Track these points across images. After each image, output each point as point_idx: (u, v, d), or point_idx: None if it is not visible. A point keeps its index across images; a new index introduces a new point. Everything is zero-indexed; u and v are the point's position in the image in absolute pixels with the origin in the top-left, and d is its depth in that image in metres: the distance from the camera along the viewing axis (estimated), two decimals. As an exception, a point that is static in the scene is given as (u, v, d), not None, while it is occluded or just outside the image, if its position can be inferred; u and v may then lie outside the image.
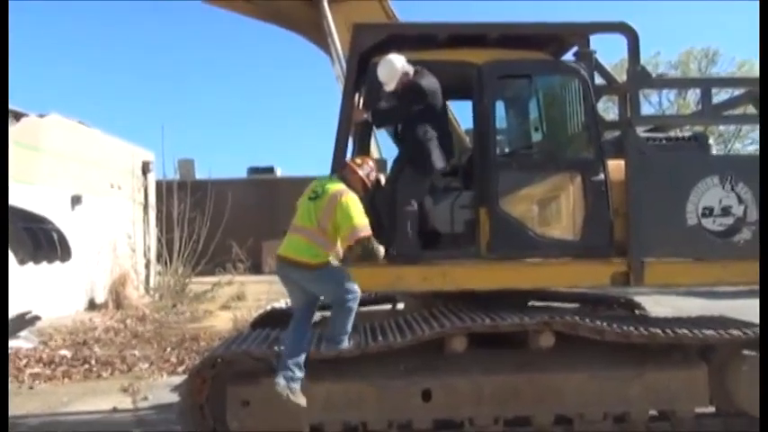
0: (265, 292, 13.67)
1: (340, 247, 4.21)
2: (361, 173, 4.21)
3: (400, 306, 5.92)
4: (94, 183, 14.16)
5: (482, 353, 4.67)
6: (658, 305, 8.57)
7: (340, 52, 6.15)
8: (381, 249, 4.12)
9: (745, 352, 4.75)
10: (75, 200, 13.21)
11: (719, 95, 7.14)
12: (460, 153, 5.87)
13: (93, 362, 8.00)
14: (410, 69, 4.67)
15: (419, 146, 4.67)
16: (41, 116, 12.50)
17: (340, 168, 4.33)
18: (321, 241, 4.00)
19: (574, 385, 4.63)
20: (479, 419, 4.58)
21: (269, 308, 6.51)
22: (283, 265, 4.14)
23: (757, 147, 22.58)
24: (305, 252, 4.01)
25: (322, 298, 4.34)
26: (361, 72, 5.01)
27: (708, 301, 11.68)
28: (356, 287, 4.15)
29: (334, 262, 4.25)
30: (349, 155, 5.00)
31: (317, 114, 54.17)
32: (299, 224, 4.10)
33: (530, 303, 5.41)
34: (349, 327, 4.16)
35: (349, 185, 4.16)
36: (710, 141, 5.78)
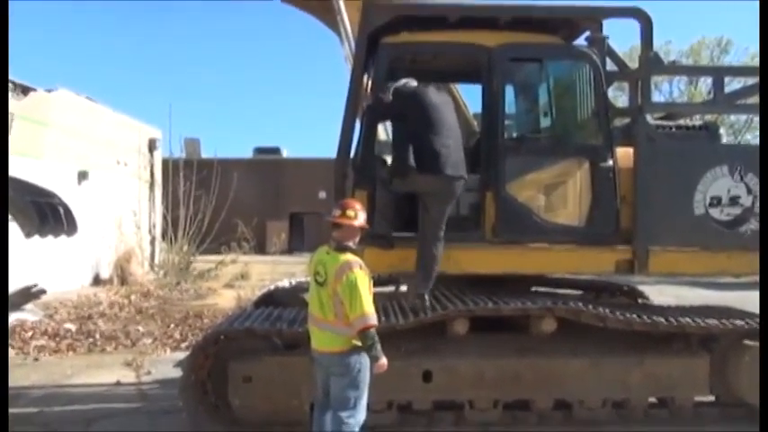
0: (269, 272, 13.76)
1: None
2: (358, 223, 3.62)
3: (404, 288, 5.93)
4: (101, 159, 14.18)
5: (484, 336, 4.69)
6: (661, 294, 8.56)
7: (349, 32, 6.08)
8: (380, 352, 3.44)
9: (747, 342, 4.76)
10: (82, 175, 13.23)
11: (731, 86, 7.06)
12: (468, 136, 5.84)
13: (97, 336, 8.07)
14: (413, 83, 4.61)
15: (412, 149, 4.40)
16: (49, 91, 12.48)
17: (336, 231, 3.61)
18: (344, 330, 3.47)
19: (574, 371, 4.66)
20: (479, 402, 4.62)
21: (272, 287, 6.54)
22: (317, 356, 3.64)
23: (768, 138, 22.40)
24: (331, 342, 3.51)
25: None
26: (370, 52, 4.96)
27: (711, 291, 11.65)
28: (363, 398, 3.54)
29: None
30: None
31: (324, 96, 54.02)
32: (316, 314, 3.59)
33: (533, 289, 5.42)
34: None
35: (350, 245, 3.59)
36: (721, 131, 5.72)
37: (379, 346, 3.43)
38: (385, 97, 4.53)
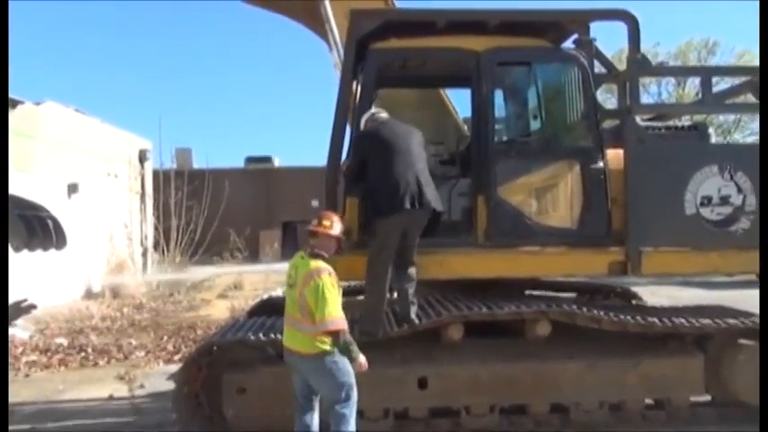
0: (262, 282, 13.71)
1: None
2: (334, 233, 3.77)
3: (396, 295, 5.90)
4: (91, 171, 14.10)
5: (479, 341, 4.67)
6: (654, 295, 8.57)
7: (338, 39, 6.07)
8: (356, 350, 3.57)
9: (742, 341, 4.76)
10: (72, 188, 13.15)
11: (719, 86, 7.11)
12: (458, 141, 5.84)
13: (89, 350, 7.99)
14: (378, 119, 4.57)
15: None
16: (38, 104, 12.42)
17: (312, 239, 3.79)
18: (309, 329, 3.59)
19: (570, 374, 4.64)
20: (475, 408, 4.59)
21: (266, 296, 6.50)
22: (287, 354, 3.81)
23: (757, 138, 22.58)
24: (300, 343, 3.67)
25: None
26: (358, 59, 4.96)
27: (704, 291, 11.70)
28: (353, 390, 3.66)
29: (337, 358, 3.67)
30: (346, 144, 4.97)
31: (316, 104, 53.98)
32: (289, 313, 3.77)
33: (527, 292, 5.41)
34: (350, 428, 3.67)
35: (323, 250, 3.73)
36: (710, 131, 5.75)
37: (354, 347, 3.58)
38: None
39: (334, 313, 3.52)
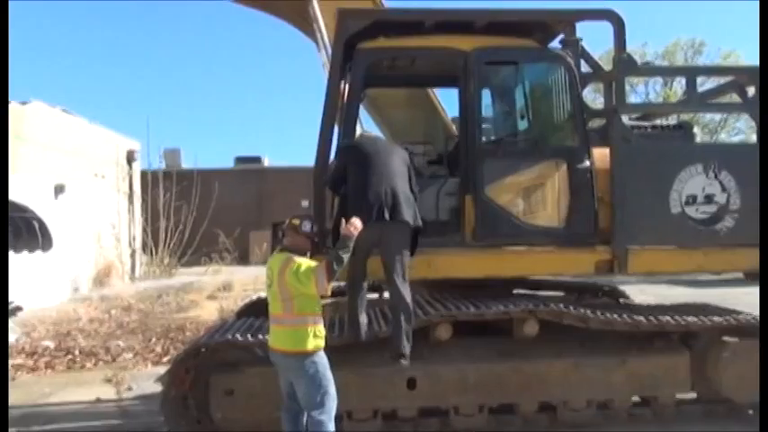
0: (252, 282, 13.64)
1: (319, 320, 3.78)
2: (303, 230, 3.84)
3: (386, 295, 5.90)
4: (78, 172, 13.98)
5: (467, 341, 4.68)
6: (643, 294, 8.65)
7: (326, 39, 6.07)
8: (345, 247, 3.69)
9: (726, 338, 4.81)
10: (59, 189, 13.03)
11: (706, 85, 7.18)
12: (447, 141, 5.86)
13: (76, 352, 7.91)
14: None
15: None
16: (23, 104, 12.29)
17: (285, 238, 3.91)
18: (293, 321, 3.68)
19: (558, 373, 4.66)
20: (464, 408, 4.60)
21: (255, 297, 6.48)
22: (272, 354, 3.84)
23: (742, 137, 22.83)
24: (283, 340, 3.72)
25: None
26: (346, 58, 4.95)
27: (691, 289, 11.81)
28: (329, 397, 3.67)
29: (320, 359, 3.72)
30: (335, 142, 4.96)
31: (306, 104, 53.79)
32: (272, 312, 3.81)
33: (514, 292, 5.42)
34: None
35: (297, 250, 3.80)
36: (695, 130, 5.80)
37: (341, 249, 3.65)
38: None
39: (316, 266, 3.63)
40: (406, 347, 4.07)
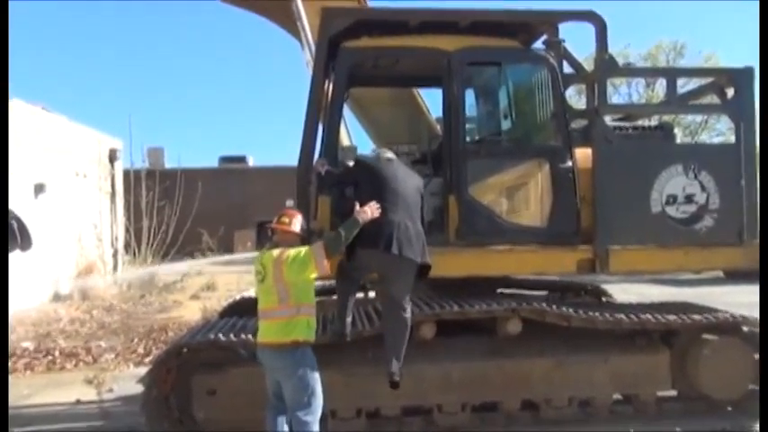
0: (236, 282, 13.56)
1: (312, 311, 3.81)
2: (294, 229, 3.86)
3: (372, 294, 5.90)
4: (59, 171, 13.76)
5: (450, 340, 4.70)
6: (625, 293, 8.73)
7: (309, 37, 6.03)
8: (349, 228, 3.80)
9: (706, 336, 4.88)
10: (39, 188, 12.81)
11: (688, 87, 7.28)
12: (431, 140, 5.87)
13: (56, 353, 7.80)
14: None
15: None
16: (2, 101, 12.09)
17: (275, 236, 3.94)
18: (287, 312, 3.68)
19: (541, 371, 4.70)
20: (447, 406, 4.62)
21: (238, 297, 6.44)
22: (260, 351, 3.82)
23: (723, 138, 23.16)
24: (274, 333, 3.69)
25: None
26: (330, 57, 4.94)
27: (673, 288, 11.96)
28: (315, 397, 3.68)
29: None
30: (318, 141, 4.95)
31: (290, 103, 53.67)
32: (261, 307, 3.81)
33: (498, 290, 5.45)
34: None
35: (288, 246, 3.79)
36: (676, 131, 5.88)
37: (343, 231, 3.77)
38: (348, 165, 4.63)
39: (313, 246, 3.71)
40: (398, 373, 4.13)
